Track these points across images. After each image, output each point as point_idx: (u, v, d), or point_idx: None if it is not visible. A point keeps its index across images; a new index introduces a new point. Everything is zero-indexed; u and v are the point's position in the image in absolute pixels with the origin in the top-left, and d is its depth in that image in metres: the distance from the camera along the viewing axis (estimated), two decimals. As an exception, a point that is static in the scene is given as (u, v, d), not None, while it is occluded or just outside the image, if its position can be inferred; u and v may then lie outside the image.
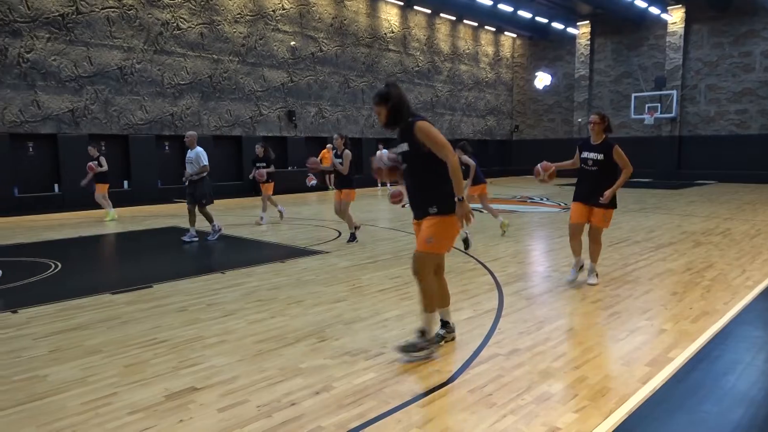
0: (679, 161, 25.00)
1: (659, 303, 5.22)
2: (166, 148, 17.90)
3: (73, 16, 15.37)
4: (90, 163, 12.11)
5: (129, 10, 16.39)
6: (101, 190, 12.43)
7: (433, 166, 3.82)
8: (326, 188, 20.42)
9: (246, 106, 19.32)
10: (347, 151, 8.84)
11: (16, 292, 6.00)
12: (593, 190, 5.72)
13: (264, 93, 19.77)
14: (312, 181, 20.76)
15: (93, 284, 6.21)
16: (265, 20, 19.60)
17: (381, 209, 14.44)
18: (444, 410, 3.10)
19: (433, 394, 3.31)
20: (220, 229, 9.41)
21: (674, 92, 24.21)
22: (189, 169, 9.07)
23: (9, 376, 3.66)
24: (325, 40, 21.53)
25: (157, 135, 17.36)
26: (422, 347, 3.85)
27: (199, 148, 9.13)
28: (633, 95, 25.31)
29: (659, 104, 24.55)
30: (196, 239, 9.14)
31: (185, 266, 7.36)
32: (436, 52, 26.26)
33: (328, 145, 20.69)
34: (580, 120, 27.60)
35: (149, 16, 16.81)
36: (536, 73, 28.97)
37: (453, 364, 3.76)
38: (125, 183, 16.90)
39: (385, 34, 23.84)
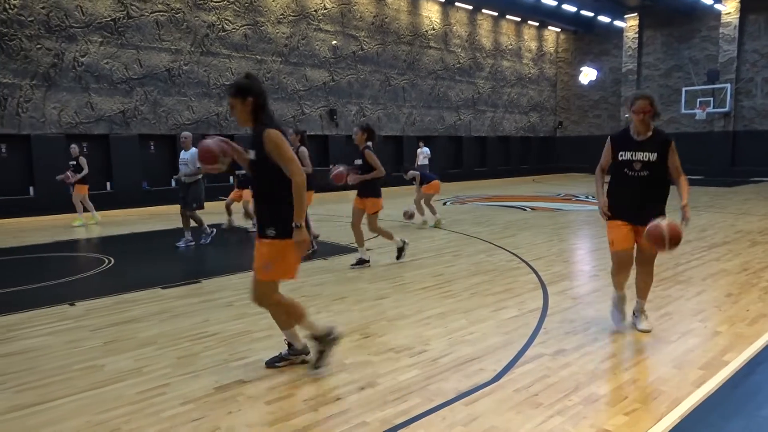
0: (733, 158, 23.99)
1: (713, 304, 5.04)
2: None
3: (124, 21, 15.92)
4: (67, 173, 11.44)
5: (177, 14, 16.87)
6: (81, 191, 11.64)
7: (279, 182, 3.38)
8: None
9: (288, 105, 19.60)
10: (303, 149, 7.79)
11: (73, 286, 6.28)
12: (643, 203, 4.11)
13: (306, 92, 20.01)
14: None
15: (144, 279, 6.43)
16: (307, 20, 19.83)
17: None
18: (489, 409, 3.08)
19: (477, 393, 3.29)
20: (212, 232, 9.04)
21: (728, 86, 23.23)
22: (183, 170, 8.68)
23: (69, 365, 3.84)
24: (366, 39, 21.62)
25: (203, 134, 17.80)
26: (321, 355, 3.62)
27: (194, 149, 8.53)
28: (684, 89, 24.42)
29: (712, 98, 23.62)
30: (192, 243, 8.83)
31: (231, 262, 7.53)
32: (477, 48, 26.00)
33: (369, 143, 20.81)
34: (627, 116, 26.81)
35: (196, 18, 17.26)
36: (581, 68, 28.34)
37: (498, 363, 3.73)
38: (172, 182, 17.41)
39: (426, 31, 23.76)
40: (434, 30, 24.07)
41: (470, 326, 4.50)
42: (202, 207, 8.91)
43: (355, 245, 7.15)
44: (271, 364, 3.73)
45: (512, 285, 5.84)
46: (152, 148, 17.04)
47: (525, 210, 10.92)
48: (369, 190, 6.83)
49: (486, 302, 5.20)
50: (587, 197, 16.02)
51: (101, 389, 3.44)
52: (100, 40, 15.49)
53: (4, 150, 14.60)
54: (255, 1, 18.50)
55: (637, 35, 26.61)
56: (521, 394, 3.25)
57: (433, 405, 3.13)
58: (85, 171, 11.42)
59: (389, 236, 7.11)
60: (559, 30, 29.75)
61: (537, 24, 28.46)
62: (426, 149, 19.63)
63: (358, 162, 6.86)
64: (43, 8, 14.56)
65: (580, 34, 29.32)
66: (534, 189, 19.52)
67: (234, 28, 18.10)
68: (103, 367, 3.79)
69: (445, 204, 14.79)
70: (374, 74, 21.97)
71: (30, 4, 14.37)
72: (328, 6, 20.37)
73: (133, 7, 16.04)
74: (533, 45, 28.97)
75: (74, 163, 11.44)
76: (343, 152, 20.89)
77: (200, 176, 8.74)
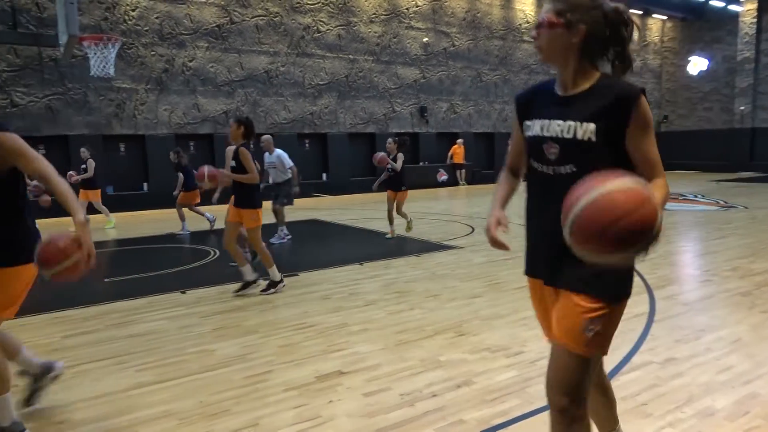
0: None
1: None
2: (306, 145, 18.98)
3: (228, 26, 16.84)
4: (70, 172, 10.56)
5: (275, 18, 17.60)
6: (89, 197, 11.01)
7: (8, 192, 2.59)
8: (456, 183, 20.35)
9: (380, 103, 19.85)
10: (400, 154, 8.80)
11: (183, 275, 6.76)
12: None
13: (397, 90, 20.17)
14: (443, 176, 20.83)
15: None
16: (399, 18, 19.97)
17: (514, 205, 14.09)
18: (593, 415, 2.96)
19: (579, 398, 3.17)
20: (288, 235, 9.04)
21: None
22: (273, 175, 8.82)
23: (183, 349, 4.13)
24: (457, 35, 21.43)
25: (298, 133, 18.47)
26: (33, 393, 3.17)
27: (278, 151, 8.84)
28: (810, 78, 22.08)
29: None
30: (289, 237, 9.00)
31: (326, 257, 7.76)
32: (574, 40, 24.97)
33: (459, 140, 20.65)
34: (742, 108, 24.68)
35: (293, 21, 17.91)
36: (690, 58, 26.39)
37: (600, 368, 3.57)
38: (269, 178, 18.19)
39: (520, 24, 23.15)
40: (528, 23, 23.39)
41: (569, 329, 4.34)
42: (291, 203, 9.20)
43: (446, 242, 7.11)
44: None
45: (614, 288, 5.56)
46: (251, 146, 17.86)
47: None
48: (246, 199, 5.61)
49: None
50: (695, 196, 14.93)
51: (212, 372, 3.68)
52: (206, 45, 16.49)
53: (123, 149, 15.96)
54: (348, 2, 18.90)
55: (755, 20, 24.35)
56: (628, 402, 3.09)
57: (534, 408, 3.06)
58: (89, 174, 10.71)
59: (266, 260, 5.71)
60: (665, 18, 27.86)
61: (640, 12, 26.80)
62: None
63: (232, 164, 5.67)
64: (156, 18, 15.73)
65: (689, 22, 27.30)
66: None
67: (328, 29, 18.60)
68: (213, 352, 4.05)
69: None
70: (465, 70, 21.72)
71: (146, 15, 15.58)
72: (419, 3, 20.40)
73: (235, 13, 16.93)
74: (635, 34, 27.31)
75: (84, 166, 10.78)
76: (434, 150, 20.92)
77: (290, 175, 8.92)
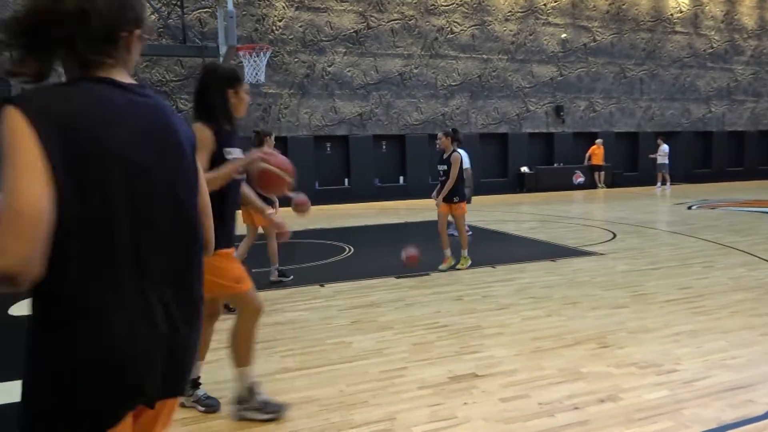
0: None
1: None
2: (437, 146, 19.03)
3: (364, 31, 17.44)
4: None
5: (410, 20, 17.89)
6: None
7: None
8: (594, 186, 19.21)
9: (513, 103, 19.36)
10: (456, 154, 6.90)
11: (322, 269, 7.11)
12: None
13: (531, 89, 19.52)
14: (579, 178, 19.82)
15: (380, 267, 6.96)
16: (535, 15, 19.32)
17: (660, 210, 13.01)
18: (765, 449, 2.63)
19: (746, 427, 2.83)
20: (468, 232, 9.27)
21: None
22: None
23: (323, 339, 4.34)
24: (599, 29, 20.23)
25: (430, 134, 18.59)
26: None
27: (459, 150, 9.11)
28: None
29: None
30: (470, 233, 9.17)
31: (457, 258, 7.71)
32: (736, 29, 22.42)
33: (598, 141, 19.46)
34: None
35: (427, 23, 18.09)
36: None
37: (772, 396, 3.16)
38: (400, 179, 18.55)
39: (671, 14, 21.28)
40: (681, 12, 21.44)
41: (732, 349, 3.90)
42: (466, 201, 9.28)
43: (584, 248, 6.70)
44: None
45: (787, 306, 4.89)
46: (384, 147, 18.36)
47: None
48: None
49: (752, 324, 4.45)
50: None
51: (350, 364, 3.82)
52: (343, 50, 17.22)
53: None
54: (483, 1, 18.66)
55: None
56: None
57: (690, 432, 2.79)
58: None
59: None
60: None
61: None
62: (666, 146, 17.78)
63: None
64: (300, 27, 16.74)
65: None
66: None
67: (462, 30, 18.51)
68: (350, 344, 4.20)
69: (690, 208, 13.08)
70: (607, 66, 20.44)
71: (291, 24, 16.66)
72: (558, -2, 19.58)
73: (372, 18, 17.48)
74: None
75: None
76: (570, 151, 19.94)
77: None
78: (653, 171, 18.79)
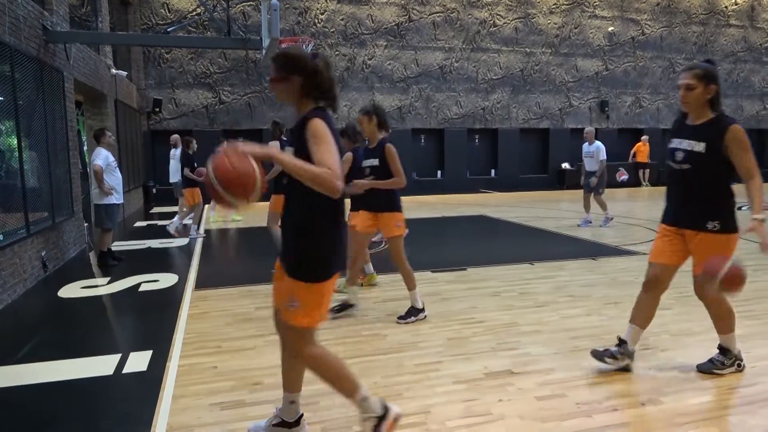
0: None
1: None
2: (476, 140, 18.87)
3: (406, 24, 17.37)
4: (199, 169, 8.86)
5: (452, 13, 17.72)
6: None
7: None
8: (639, 184, 18.68)
9: (556, 97, 18.98)
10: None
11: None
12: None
13: (575, 83, 19.10)
14: (623, 176, 19.30)
15: (418, 261, 6.92)
16: (581, 7, 18.86)
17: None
18: (817, 461, 2.51)
19: (797, 438, 2.71)
20: (611, 218, 9.91)
21: None
22: (587, 164, 9.79)
23: (359, 331, 4.37)
24: (648, 22, 19.60)
25: (469, 128, 18.42)
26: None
27: (597, 143, 9.75)
28: None
29: None
30: (590, 223, 9.81)
31: (495, 253, 7.64)
32: (796, 22, 21.36)
33: (644, 137, 18.90)
34: None
35: (469, 16, 17.88)
36: None
37: (827, 407, 3.01)
38: (438, 173, 18.45)
39: (726, 7, 20.43)
40: (737, 5, 20.56)
41: (782, 356, 3.74)
42: (603, 192, 9.85)
43: (626, 247, 6.51)
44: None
45: (844, 314, 4.65)
46: (422, 141, 18.29)
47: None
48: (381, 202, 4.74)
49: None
50: None
51: (385, 356, 3.83)
52: (384, 43, 17.21)
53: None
54: (527, -7, 18.33)
55: None
56: None
57: (735, 440, 2.69)
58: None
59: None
60: None
61: None
62: None
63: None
64: (342, 20, 16.80)
65: None
66: None
67: (505, 23, 18.24)
68: (386, 337, 4.22)
69: (740, 208, 12.53)
70: (656, 60, 19.81)
71: (333, 17, 16.73)
72: (605, -10, 19.05)
73: (414, 11, 17.40)
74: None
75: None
76: (615, 147, 19.40)
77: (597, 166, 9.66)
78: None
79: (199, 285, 6.01)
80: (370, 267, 5.91)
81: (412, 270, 4.67)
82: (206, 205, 11.54)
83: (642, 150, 18.79)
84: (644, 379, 3.40)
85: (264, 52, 8.43)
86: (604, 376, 3.44)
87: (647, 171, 18.82)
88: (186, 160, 9.33)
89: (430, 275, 6.23)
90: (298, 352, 2.59)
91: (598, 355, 3.50)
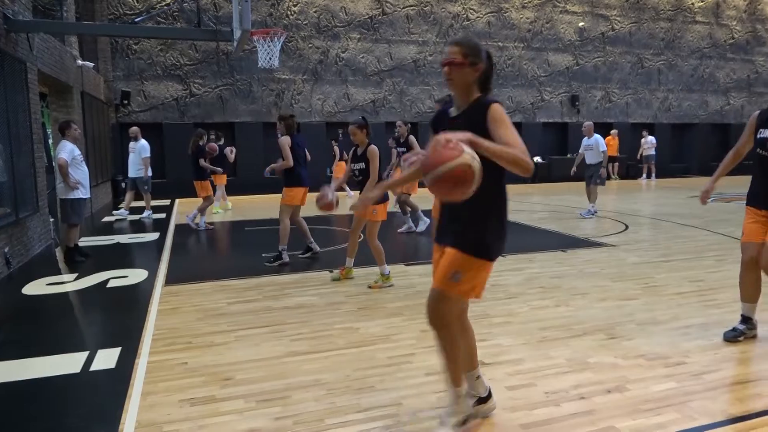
0: None
1: None
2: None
3: (379, 17, 17.32)
4: (226, 150, 11.72)
5: (425, 7, 17.73)
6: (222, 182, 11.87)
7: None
8: (608, 177, 18.97)
9: (528, 92, 19.18)
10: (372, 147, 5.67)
11: (330, 255, 7.13)
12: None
13: (547, 78, 19.33)
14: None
15: (389, 254, 6.94)
16: (553, 3, 19.07)
17: (674, 202, 12.86)
18: (772, 443, 2.61)
19: (753, 420, 2.82)
20: (595, 212, 10.21)
21: None
22: (588, 156, 10.11)
23: (331, 324, 4.37)
24: (618, 18, 19.93)
25: (443, 122, 18.49)
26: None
27: (596, 135, 10.10)
28: None
29: None
30: (595, 214, 10.16)
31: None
32: (759, 18, 21.97)
33: (613, 132, 19.23)
34: None
35: (442, 10, 17.92)
36: None
37: (782, 391, 3.13)
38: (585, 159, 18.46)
39: (693, 4, 20.90)
40: (702, 2, 21.04)
41: (742, 344, 3.87)
42: (603, 183, 10.31)
43: (596, 239, 6.64)
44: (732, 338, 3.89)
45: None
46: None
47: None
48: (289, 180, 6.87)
49: (764, 318, 4.40)
50: None
51: (357, 349, 3.84)
52: (358, 36, 17.13)
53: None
54: (500, -12, 18.45)
55: None
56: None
57: (696, 425, 2.77)
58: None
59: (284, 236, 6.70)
60: None
61: None
62: (652, 138, 18.11)
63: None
64: (315, 12, 16.66)
65: None
66: None
67: (478, 17, 18.33)
68: (358, 330, 4.23)
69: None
70: (625, 56, 20.16)
71: (306, 9, 16.58)
72: (576, -14, 19.28)
73: (387, 4, 17.35)
74: None
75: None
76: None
77: (601, 158, 10.07)
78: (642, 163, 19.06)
79: (171, 280, 5.93)
80: (351, 261, 5.92)
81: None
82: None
83: (611, 144, 19.08)
84: (611, 367, 3.48)
85: (235, 44, 8.31)
86: (572, 365, 3.51)
87: (616, 164, 19.18)
88: (199, 153, 9.77)
89: (402, 268, 6.26)
90: (446, 323, 2.65)
91: (732, 337, 3.88)
